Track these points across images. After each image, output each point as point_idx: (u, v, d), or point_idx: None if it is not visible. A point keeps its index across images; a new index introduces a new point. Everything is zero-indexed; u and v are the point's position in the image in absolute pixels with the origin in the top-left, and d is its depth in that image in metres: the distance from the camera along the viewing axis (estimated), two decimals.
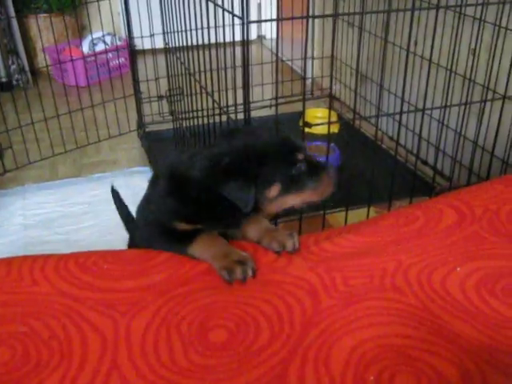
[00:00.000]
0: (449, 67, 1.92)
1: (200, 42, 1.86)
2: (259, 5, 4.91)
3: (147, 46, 3.24)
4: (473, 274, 1.25)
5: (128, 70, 3.76)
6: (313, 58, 3.87)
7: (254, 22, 1.38)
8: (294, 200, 1.33)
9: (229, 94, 1.75)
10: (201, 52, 1.90)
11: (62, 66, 3.61)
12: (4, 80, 4.03)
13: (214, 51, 1.85)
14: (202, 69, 1.95)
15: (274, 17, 3.91)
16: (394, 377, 1.00)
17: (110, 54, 4.04)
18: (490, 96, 2.06)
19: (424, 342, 1.07)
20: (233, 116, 1.83)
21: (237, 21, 1.44)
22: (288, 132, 1.37)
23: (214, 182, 1.25)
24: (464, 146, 2.25)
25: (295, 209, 1.36)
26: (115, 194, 1.90)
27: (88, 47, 4.05)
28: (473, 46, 1.91)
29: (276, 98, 1.54)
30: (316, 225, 1.86)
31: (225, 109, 1.79)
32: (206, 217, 1.32)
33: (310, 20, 3.61)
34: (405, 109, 2.67)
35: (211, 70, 1.85)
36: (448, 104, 1.98)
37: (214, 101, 1.88)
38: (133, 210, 2.04)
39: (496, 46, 1.91)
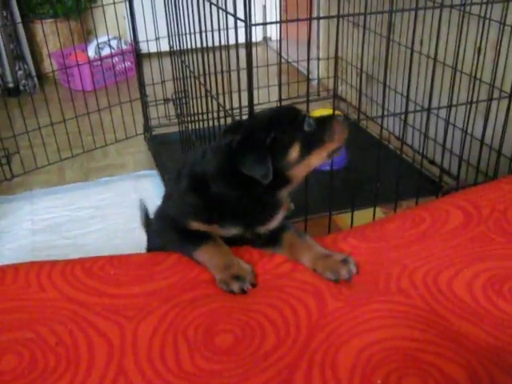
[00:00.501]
0: (454, 66, 1.90)
1: (204, 45, 1.86)
2: (264, 7, 4.91)
3: (153, 49, 3.24)
4: (480, 275, 1.24)
5: (134, 73, 3.77)
6: (318, 59, 3.86)
7: (256, 24, 1.38)
8: (318, 157, 1.32)
9: (234, 97, 1.74)
10: (205, 55, 1.89)
11: (68, 70, 3.62)
12: (11, 85, 4.04)
13: (218, 54, 1.84)
14: (206, 72, 1.95)
15: (279, 19, 3.91)
16: (401, 380, 0.99)
17: (115, 58, 4.04)
18: (496, 94, 2.05)
19: (431, 344, 1.07)
20: (238, 118, 1.83)
21: (240, 23, 1.44)
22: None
23: (231, 163, 1.25)
24: (471, 145, 2.23)
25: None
26: (143, 208, 1.96)
27: (94, 52, 4.06)
28: (478, 45, 1.89)
29: (280, 101, 1.54)
30: (323, 226, 1.85)
31: (230, 111, 1.79)
32: (226, 213, 1.32)
33: (315, 21, 3.60)
34: (411, 108, 2.68)
35: (216, 72, 1.85)
36: (454, 103, 1.97)
37: (218, 103, 1.88)
38: (139, 213, 2.06)
39: (501, 44, 1.90)
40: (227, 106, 1.82)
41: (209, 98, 2.01)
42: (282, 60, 3.98)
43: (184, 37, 2.15)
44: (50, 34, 4.07)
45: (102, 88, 3.51)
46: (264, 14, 4.92)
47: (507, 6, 1.88)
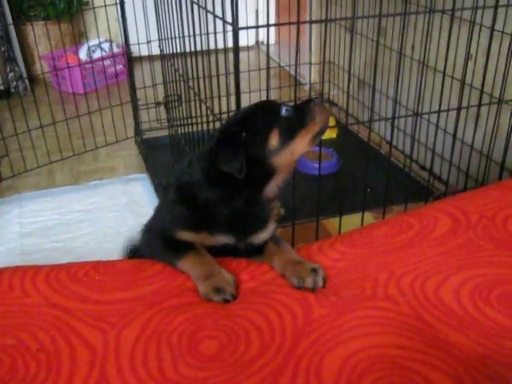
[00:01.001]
0: (444, 71, 1.90)
1: (193, 49, 1.85)
2: (257, 11, 4.90)
3: (144, 52, 3.22)
4: (467, 282, 1.23)
5: (125, 76, 3.75)
6: (310, 64, 3.85)
7: (242, 28, 1.37)
8: (301, 141, 1.31)
9: (224, 101, 1.74)
10: (194, 59, 1.89)
11: (59, 73, 3.61)
12: (2, 88, 4.02)
13: (207, 58, 1.84)
14: (195, 75, 1.94)
15: (273, 23, 3.90)
16: None
17: (107, 61, 4.03)
18: (487, 100, 2.04)
19: (417, 352, 1.06)
20: None
21: (229, 27, 1.43)
22: None
23: (213, 166, 1.25)
24: (462, 151, 2.23)
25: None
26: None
27: (85, 54, 4.05)
28: (469, 50, 1.89)
29: None
30: (312, 231, 1.84)
31: (218, 115, 1.78)
32: (215, 220, 1.31)
33: (308, 26, 3.59)
34: (403, 113, 2.68)
35: (204, 76, 1.84)
36: (445, 108, 1.96)
37: (207, 107, 1.88)
38: (129, 216, 2.04)
39: (490, 49, 1.90)
40: (216, 110, 1.81)
41: (198, 102, 2.00)
42: (275, 64, 3.98)
43: (173, 40, 2.14)
44: (42, 37, 4.05)
45: (93, 91, 3.50)
46: (257, 19, 4.91)
47: (496, 12, 1.87)
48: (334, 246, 1.38)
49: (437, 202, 1.63)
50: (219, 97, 1.74)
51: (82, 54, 4.04)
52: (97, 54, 4.02)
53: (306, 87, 3.95)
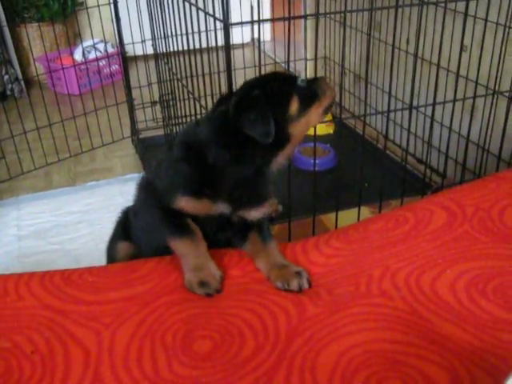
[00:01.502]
0: (438, 63, 1.89)
1: (186, 48, 1.84)
2: (252, 7, 4.88)
3: (139, 52, 3.21)
4: (463, 276, 1.23)
5: (120, 76, 3.74)
6: (306, 59, 3.84)
7: (235, 24, 1.36)
8: (316, 112, 1.32)
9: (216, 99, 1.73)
10: (187, 57, 1.88)
11: (54, 74, 3.60)
12: None
13: (200, 56, 1.83)
14: (189, 74, 1.93)
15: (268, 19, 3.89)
16: (382, 382, 0.98)
17: (102, 62, 4.02)
18: (482, 92, 2.03)
19: (412, 346, 1.05)
20: None
21: (221, 25, 1.42)
22: None
23: (227, 128, 1.23)
24: (459, 143, 2.22)
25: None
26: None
27: (80, 55, 4.04)
28: (464, 42, 1.88)
29: None
30: (310, 227, 1.84)
31: None
32: (218, 185, 1.27)
33: (303, 21, 3.58)
34: (399, 107, 2.66)
35: (197, 75, 1.83)
36: (440, 101, 1.95)
37: (201, 106, 1.87)
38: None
39: (484, 41, 1.89)
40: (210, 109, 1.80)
41: (192, 101, 1.99)
42: (271, 61, 3.97)
43: (166, 39, 2.13)
44: (37, 38, 4.04)
45: (88, 92, 3.49)
46: (252, 15, 4.90)
47: (489, 3, 1.86)
48: (329, 242, 1.37)
49: (432, 196, 1.62)
50: (212, 95, 1.73)
51: (77, 55, 4.04)
52: (92, 55, 4.01)
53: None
